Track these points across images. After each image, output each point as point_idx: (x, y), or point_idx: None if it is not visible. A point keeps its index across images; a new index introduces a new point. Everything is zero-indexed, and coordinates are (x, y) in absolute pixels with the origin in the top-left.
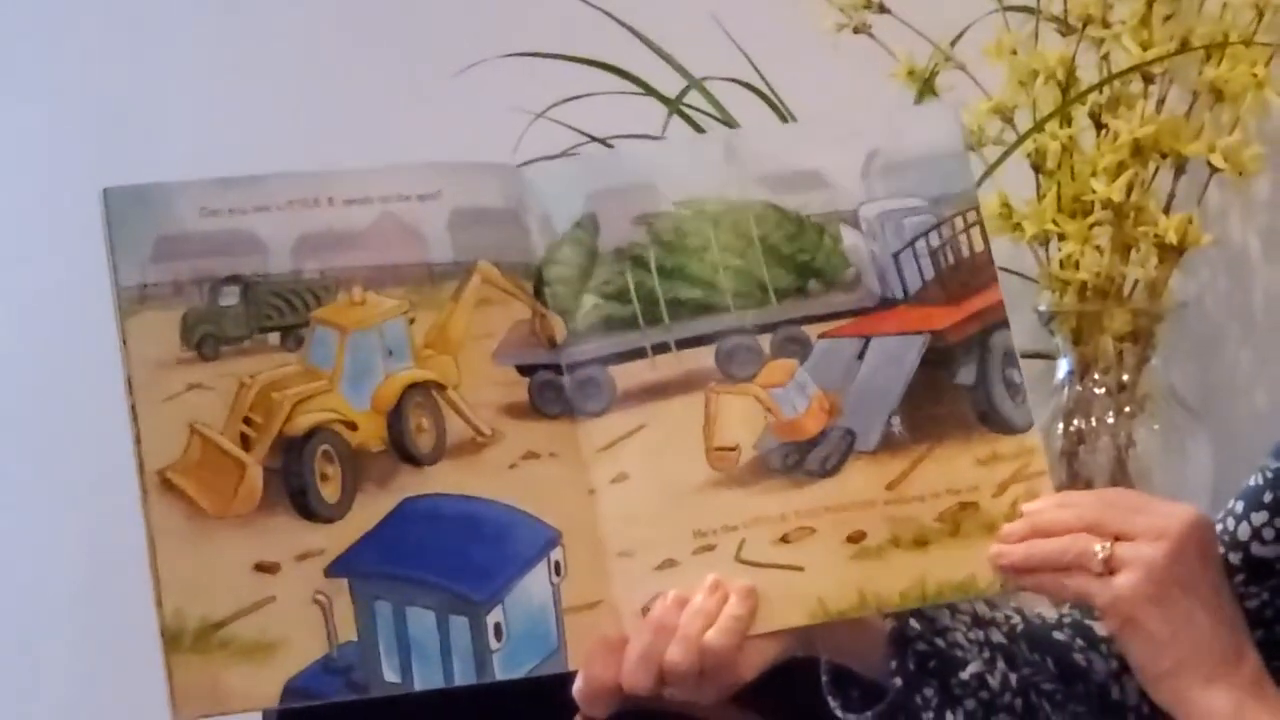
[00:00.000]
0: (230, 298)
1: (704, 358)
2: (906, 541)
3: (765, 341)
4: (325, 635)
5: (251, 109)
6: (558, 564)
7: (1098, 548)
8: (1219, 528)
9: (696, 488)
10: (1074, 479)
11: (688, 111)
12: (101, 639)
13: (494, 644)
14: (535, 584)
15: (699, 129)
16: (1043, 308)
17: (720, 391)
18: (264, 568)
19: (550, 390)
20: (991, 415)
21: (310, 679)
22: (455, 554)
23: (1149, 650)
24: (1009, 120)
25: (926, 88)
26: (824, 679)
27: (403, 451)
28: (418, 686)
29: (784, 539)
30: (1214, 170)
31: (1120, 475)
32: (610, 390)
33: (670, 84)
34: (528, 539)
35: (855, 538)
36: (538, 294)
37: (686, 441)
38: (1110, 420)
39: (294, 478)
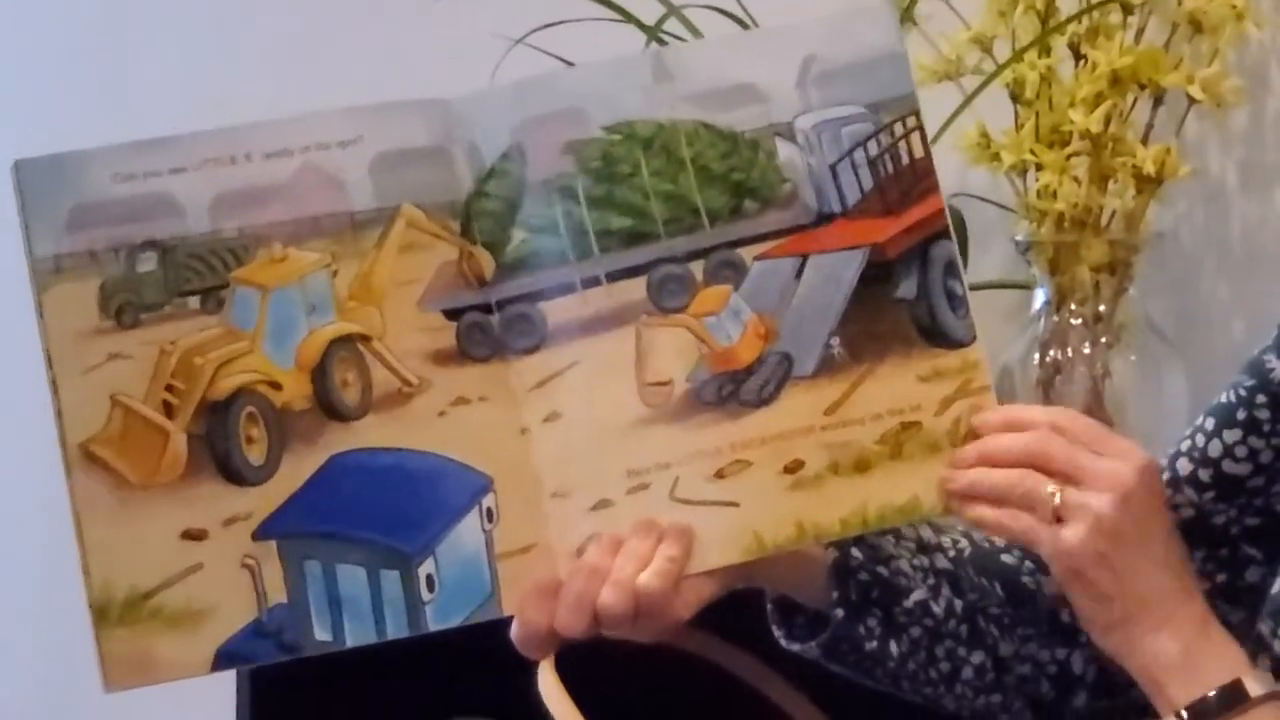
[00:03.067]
0: (148, 263)
1: (635, 290)
2: (846, 467)
3: (698, 268)
4: (255, 599)
5: (226, 39)
6: (489, 510)
7: (1049, 491)
8: (1187, 444)
9: (629, 425)
10: None
11: (667, 39)
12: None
13: (426, 595)
14: (467, 532)
15: None
16: (1020, 238)
17: (651, 324)
18: (191, 535)
19: (479, 332)
20: (933, 330)
21: (241, 643)
22: (384, 508)
23: (1095, 603)
24: (987, 50)
25: (906, 16)
26: (769, 608)
27: (329, 408)
28: (350, 643)
29: (719, 474)
30: (1192, 101)
31: (1096, 406)
32: (541, 327)
33: (649, 11)
34: (458, 488)
35: (793, 467)
36: (466, 230)
37: (619, 378)
38: (1086, 351)
39: (218, 442)
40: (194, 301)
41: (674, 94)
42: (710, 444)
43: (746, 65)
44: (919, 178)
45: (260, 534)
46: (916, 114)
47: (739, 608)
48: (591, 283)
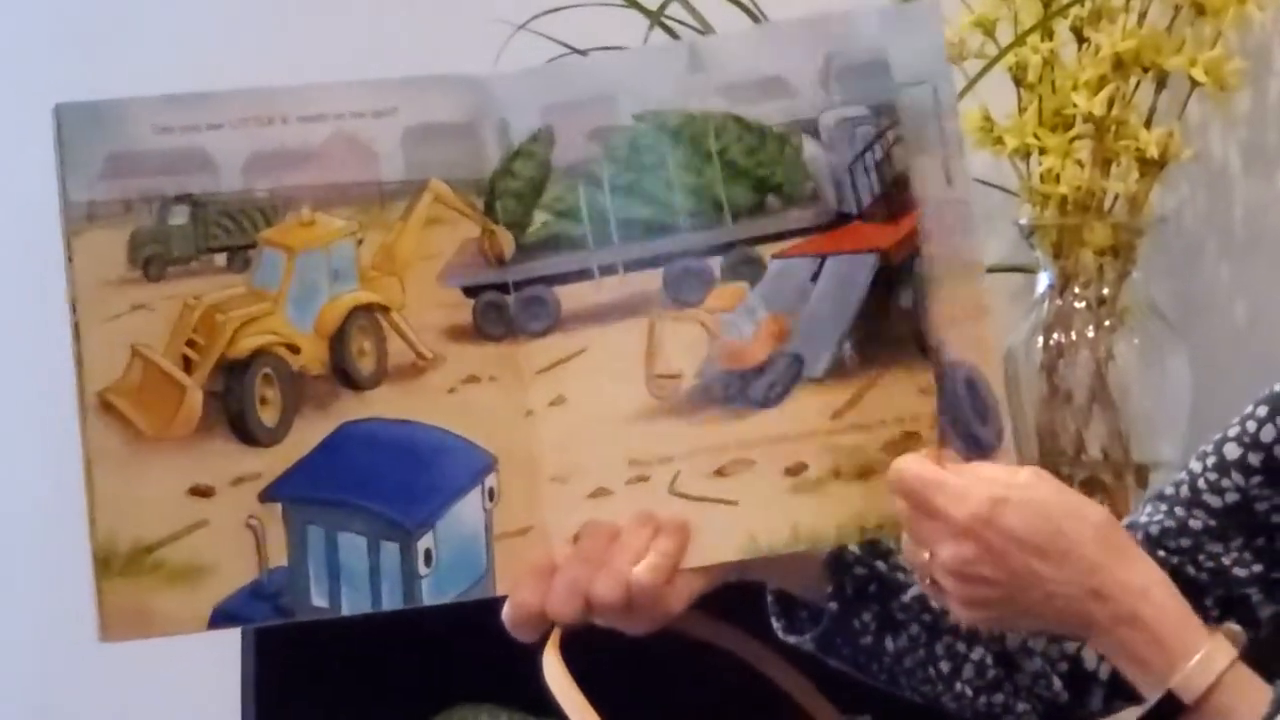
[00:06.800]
0: (179, 217)
1: (651, 281)
2: (849, 473)
3: (716, 264)
4: (256, 560)
5: (227, 19)
6: (491, 490)
7: (923, 561)
8: (1236, 429)
9: (634, 415)
10: (1053, 393)
11: (669, 23)
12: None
13: (423, 569)
14: (467, 510)
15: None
16: (1023, 221)
17: (665, 316)
18: (199, 491)
19: (494, 311)
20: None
21: (238, 603)
22: (390, 480)
23: (1021, 630)
24: (990, 33)
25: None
26: (769, 599)
27: (344, 375)
28: (345, 611)
29: (719, 471)
30: (1195, 84)
31: (1100, 389)
32: (554, 310)
33: None
34: (462, 465)
35: (795, 470)
36: (489, 209)
37: (627, 367)
38: (1090, 334)
39: (234, 401)
40: (221, 259)
41: (707, 85)
42: (714, 440)
43: (776, 58)
44: (900, 190)
45: (267, 496)
46: (896, 124)
47: (746, 598)
48: (608, 270)
